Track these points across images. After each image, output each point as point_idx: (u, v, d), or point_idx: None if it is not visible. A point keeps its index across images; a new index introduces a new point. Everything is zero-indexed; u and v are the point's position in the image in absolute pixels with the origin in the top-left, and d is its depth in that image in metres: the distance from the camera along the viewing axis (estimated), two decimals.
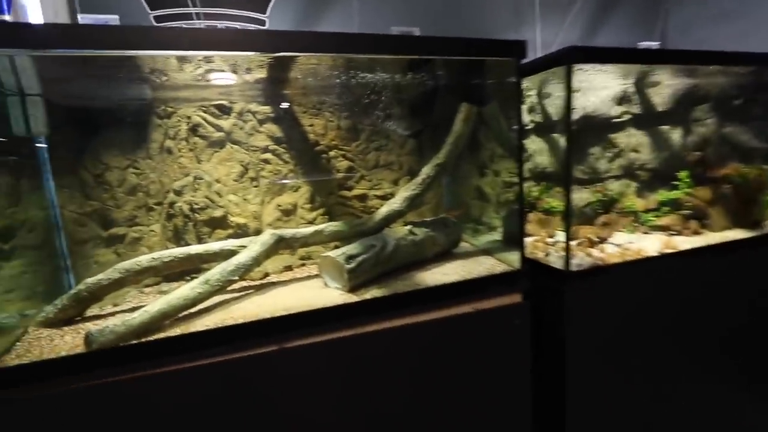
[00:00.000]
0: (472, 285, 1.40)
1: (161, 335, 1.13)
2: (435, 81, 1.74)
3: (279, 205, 1.71)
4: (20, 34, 0.95)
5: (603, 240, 1.70)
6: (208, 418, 1.13)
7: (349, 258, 1.34)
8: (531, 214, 1.93)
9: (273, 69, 1.64)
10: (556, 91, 1.86)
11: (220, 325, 1.17)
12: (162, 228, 1.62)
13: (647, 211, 1.93)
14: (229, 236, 1.63)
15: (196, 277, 1.32)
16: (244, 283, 1.51)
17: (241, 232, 1.65)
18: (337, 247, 1.69)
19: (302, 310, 1.23)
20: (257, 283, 1.53)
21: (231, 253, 1.36)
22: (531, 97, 1.97)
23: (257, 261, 1.33)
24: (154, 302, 1.16)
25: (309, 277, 1.53)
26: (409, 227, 1.52)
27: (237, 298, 1.36)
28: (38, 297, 1.42)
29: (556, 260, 1.54)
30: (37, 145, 1.45)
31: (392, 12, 2.95)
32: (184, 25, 1.97)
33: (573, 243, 1.54)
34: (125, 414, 1.07)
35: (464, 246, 1.77)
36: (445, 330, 1.33)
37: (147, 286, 1.55)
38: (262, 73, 1.62)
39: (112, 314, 1.34)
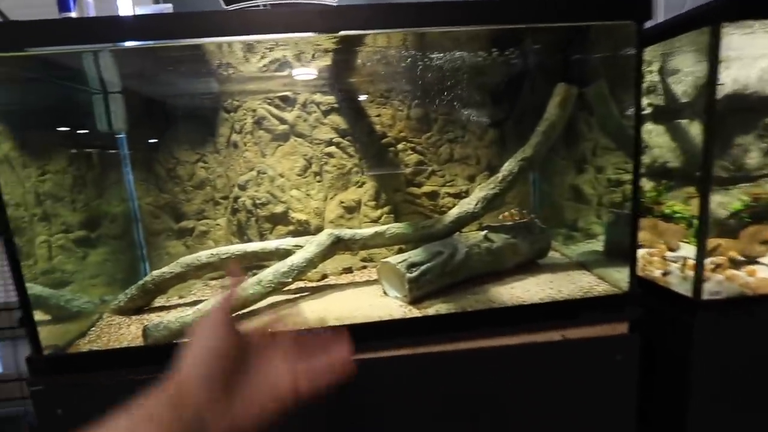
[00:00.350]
0: (562, 307, 1.13)
1: None
2: (524, 58, 1.46)
3: (342, 202, 1.60)
4: (105, 29, 0.94)
5: (751, 260, 1.28)
6: None
7: (412, 266, 1.16)
8: (644, 220, 1.55)
9: (338, 55, 1.52)
10: (685, 65, 1.46)
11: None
12: (227, 222, 1.61)
13: None
14: (290, 233, 1.56)
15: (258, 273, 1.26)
16: (300, 284, 1.42)
17: (302, 229, 1.57)
18: (403, 251, 1.52)
19: (356, 322, 1.09)
20: (314, 284, 1.43)
21: (287, 253, 1.28)
22: (649, 75, 1.57)
23: (312, 263, 1.22)
24: (208, 301, 1.12)
25: (368, 283, 1.39)
26: (484, 232, 1.28)
27: (291, 300, 1.27)
28: (118, 284, 1.49)
29: (679, 283, 1.19)
30: (117, 140, 1.53)
31: None
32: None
33: (707, 262, 1.17)
34: None
35: (554, 256, 1.48)
36: (524, 359, 1.08)
37: (212, 279, 1.55)
38: (326, 61, 1.52)
39: (175, 307, 1.34)
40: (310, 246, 1.24)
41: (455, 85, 1.55)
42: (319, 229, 1.56)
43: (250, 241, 1.57)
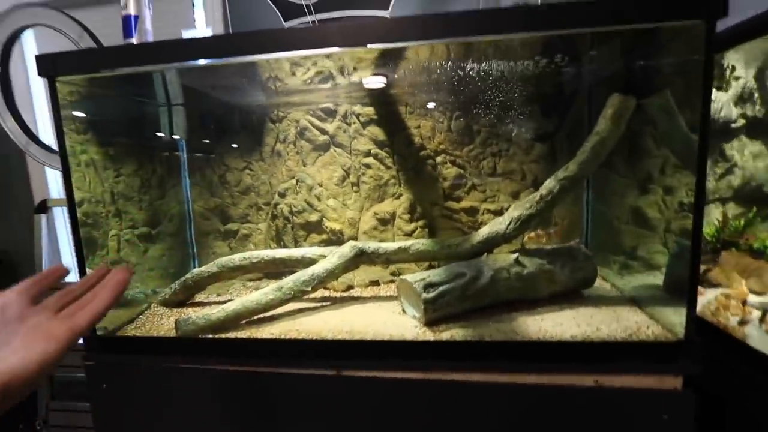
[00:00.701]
0: (598, 348, 0.98)
1: (232, 335, 1.13)
2: (578, 66, 1.33)
3: (376, 214, 1.58)
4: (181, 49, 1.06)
5: None
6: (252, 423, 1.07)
7: (429, 286, 1.10)
8: (726, 254, 1.30)
9: (379, 67, 1.52)
10: None
11: (281, 337, 1.10)
12: (267, 227, 1.68)
13: None
14: (323, 242, 1.59)
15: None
16: (325, 293, 1.43)
17: (336, 238, 1.59)
18: (432, 267, 1.46)
19: (364, 338, 1.06)
20: (338, 294, 1.43)
21: (312, 262, 1.30)
22: (741, 80, 1.33)
23: (333, 274, 1.22)
24: (231, 302, 1.17)
25: (390, 298, 1.35)
26: (515, 256, 1.17)
27: (310, 309, 1.28)
28: (169, 277, 1.64)
29: (760, 336, 0.96)
30: (178, 148, 1.69)
31: None
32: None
33: None
34: (180, 397, 1.12)
35: (602, 287, 1.30)
36: (546, 402, 0.96)
37: (250, 280, 1.63)
38: (367, 72, 1.53)
39: (209, 303, 1.43)
40: (332, 257, 1.24)
41: (501, 96, 1.45)
42: (352, 240, 1.57)
43: (286, 246, 1.62)
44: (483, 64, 1.41)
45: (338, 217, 1.60)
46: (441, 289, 1.10)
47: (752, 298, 1.11)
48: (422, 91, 1.53)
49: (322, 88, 1.56)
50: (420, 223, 1.56)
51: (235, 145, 1.66)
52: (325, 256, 1.29)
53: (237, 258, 1.35)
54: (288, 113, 1.61)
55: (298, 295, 1.19)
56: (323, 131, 1.59)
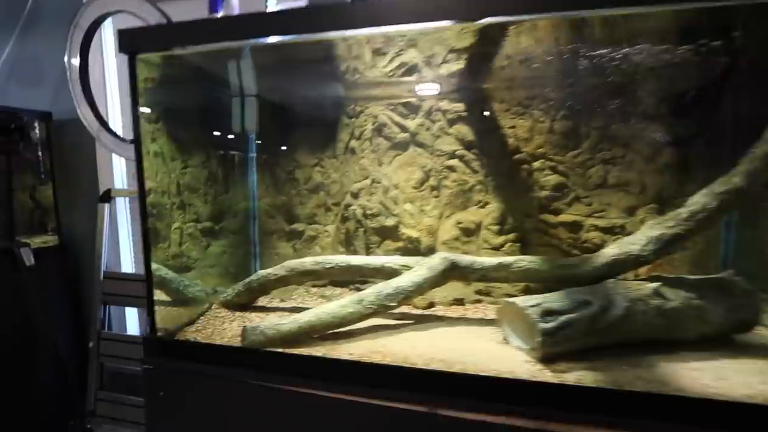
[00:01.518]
0: None
1: (304, 350, 0.98)
2: (729, 53, 1.09)
3: (459, 223, 1.40)
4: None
5: None
6: None
7: (547, 314, 0.90)
8: None
9: (472, 57, 1.35)
10: None
11: (362, 360, 0.93)
12: (335, 230, 1.54)
13: None
14: (398, 250, 1.42)
15: (360, 288, 1.15)
16: (405, 308, 1.26)
17: (412, 247, 1.41)
18: (530, 289, 1.26)
19: (464, 371, 0.87)
20: (419, 311, 1.25)
21: (393, 272, 1.13)
22: None
23: (420, 288, 1.05)
24: (305, 313, 1.02)
25: (483, 322, 1.15)
26: (654, 285, 0.95)
27: (390, 327, 1.11)
28: (230, 277, 1.53)
29: None
30: (248, 141, 1.59)
31: None
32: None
33: None
34: (242, 414, 0.97)
35: (764, 334, 1.04)
36: None
37: (314, 286, 1.49)
38: (459, 63, 1.36)
39: (274, 310, 1.30)
40: (420, 269, 1.07)
41: (621, 91, 1.24)
42: (430, 250, 1.39)
43: (356, 252, 1.47)
44: (600, 51, 1.21)
45: (415, 224, 1.43)
46: (563, 319, 0.89)
47: None
48: (521, 85, 1.35)
49: (405, 81, 1.41)
50: (511, 236, 1.36)
51: (307, 141, 1.54)
52: (408, 267, 1.12)
53: (308, 262, 1.20)
54: (366, 108, 1.47)
55: (379, 310, 1.02)
56: (403, 128, 1.44)
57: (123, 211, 2.08)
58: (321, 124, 1.52)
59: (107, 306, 1.98)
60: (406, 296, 1.04)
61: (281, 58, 1.40)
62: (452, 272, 1.08)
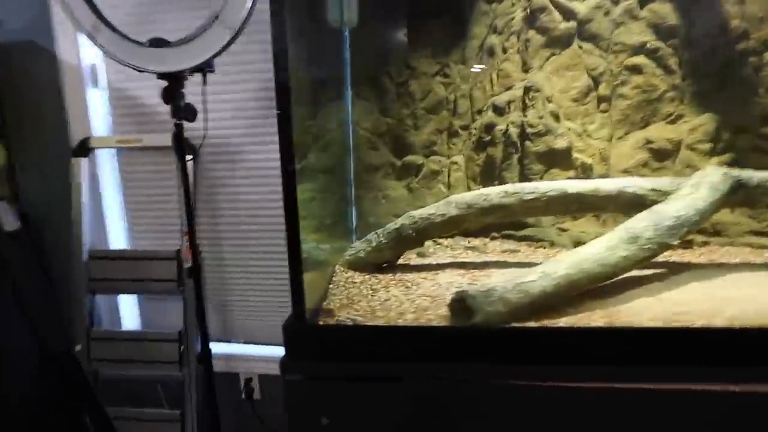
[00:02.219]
0: None
1: (570, 322, 0.61)
2: None
3: (649, 142, 1.04)
4: None
5: None
6: None
7: None
8: None
9: None
10: None
11: (668, 325, 0.57)
12: (466, 161, 1.15)
13: None
14: (569, 180, 1.05)
15: (510, 235, 0.80)
16: None
17: (585, 176, 1.05)
18: None
19: None
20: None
21: (635, 201, 0.77)
22: None
23: (704, 217, 0.69)
24: (552, 262, 0.65)
25: (760, 266, 0.81)
26: None
27: (633, 279, 0.75)
28: (325, 230, 1.13)
29: None
30: (341, 38, 1.15)
31: None
32: None
33: None
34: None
35: None
36: None
37: (445, 237, 1.11)
38: None
39: (419, 268, 0.91)
40: (698, 190, 0.71)
41: None
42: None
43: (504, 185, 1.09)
44: None
45: (586, 147, 1.06)
46: None
47: None
48: None
49: None
50: (725, 157, 1.01)
51: (427, 38, 1.12)
52: (660, 192, 0.75)
53: (494, 193, 0.82)
54: None
55: (659, 250, 0.66)
56: (570, 13, 1.04)
57: (107, 168, 1.42)
58: (450, 13, 1.10)
59: (94, 295, 1.40)
60: (689, 229, 0.68)
61: None
62: (736, 195, 0.72)
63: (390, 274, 0.87)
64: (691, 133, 1.02)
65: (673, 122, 1.06)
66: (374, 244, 0.88)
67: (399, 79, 1.15)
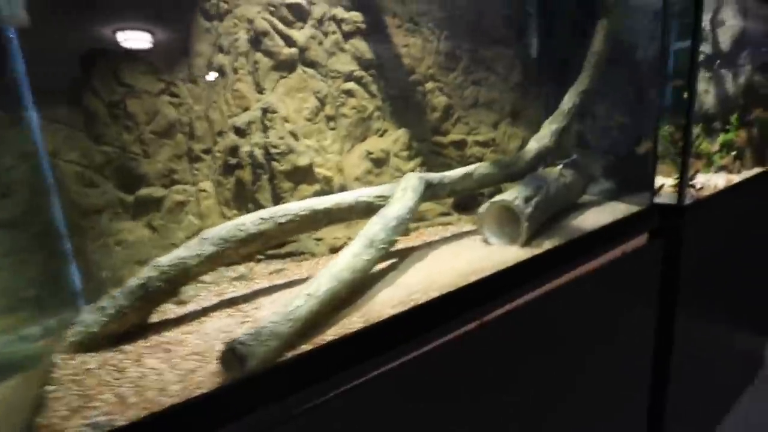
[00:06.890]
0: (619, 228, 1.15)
1: (336, 332, 0.68)
2: None
3: (369, 153, 1.28)
4: None
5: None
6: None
7: (526, 201, 1.00)
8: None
9: None
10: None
11: (410, 306, 0.75)
12: (215, 186, 1.09)
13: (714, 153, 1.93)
14: (316, 194, 1.16)
15: (274, 255, 0.89)
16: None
17: (328, 188, 1.19)
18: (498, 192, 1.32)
19: (498, 271, 0.87)
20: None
21: (368, 208, 0.93)
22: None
23: (413, 213, 0.92)
24: (313, 282, 0.70)
25: (446, 240, 1.14)
26: (559, 167, 1.22)
27: (392, 267, 0.94)
28: (24, 307, 0.83)
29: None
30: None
31: None
32: None
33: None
34: None
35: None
36: (604, 276, 1.07)
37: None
38: None
39: (185, 319, 0.81)
40: (404, 193, 0.93)
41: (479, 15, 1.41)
42: (342, 189, 1.21)
43: (261, 207, 1.10)
44: None
45: (324, 161, 1.21)
46: (534, 202, 1.02)
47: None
48: None
49: None
50: (417, 161, 1.37)
51: (141, 52, 0.96)
52: (384, 198, 0.95)
53: (249, 222, 0.81)
54: (235, 6, 1.06)
55: (390, 246, 0.84)
56: (290, 40, 1.14)
57: None
58: (163, 22, 0.98)
59: None
60: (405, 225, 0.89)
61: None
62: (426, 192, 1.00)
63: (141, 340, 0.72)
64: (395, 144, 1.33)
65: (381, 136, 1.34)
66: (112, 311, 0.70)
67: (111, 97, 0.94)
